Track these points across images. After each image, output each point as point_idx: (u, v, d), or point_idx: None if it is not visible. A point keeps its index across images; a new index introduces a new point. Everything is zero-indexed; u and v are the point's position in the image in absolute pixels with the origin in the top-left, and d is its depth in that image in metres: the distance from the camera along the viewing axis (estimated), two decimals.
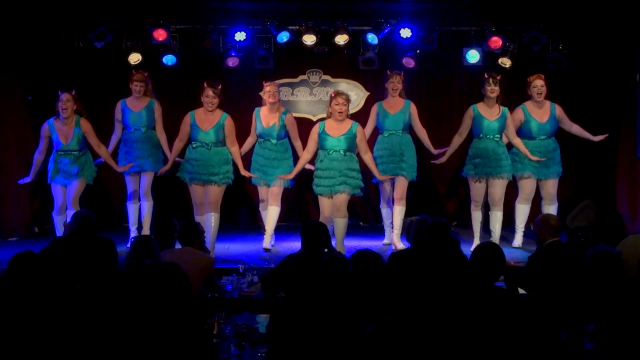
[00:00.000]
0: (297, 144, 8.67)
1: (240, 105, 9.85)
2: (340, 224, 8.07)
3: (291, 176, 8.38)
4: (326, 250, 6.22)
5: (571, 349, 4.25)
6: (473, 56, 9.60)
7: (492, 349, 4.20)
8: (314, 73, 10.64)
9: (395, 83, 8.69)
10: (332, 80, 10.72)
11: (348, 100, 8.13)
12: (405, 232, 6.46)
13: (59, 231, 8.16)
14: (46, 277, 4.45)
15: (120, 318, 3.88)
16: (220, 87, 8.32)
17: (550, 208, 8.66)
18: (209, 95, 8.20)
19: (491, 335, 4.26)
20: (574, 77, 9.79)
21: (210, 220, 8.15)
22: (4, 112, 9.60)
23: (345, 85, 10.67)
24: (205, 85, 8.27)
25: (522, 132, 8.65)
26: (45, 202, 10.05)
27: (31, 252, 4.68)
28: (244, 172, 8.36)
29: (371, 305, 4.51)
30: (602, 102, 9.78)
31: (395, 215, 8.68)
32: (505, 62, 9.57)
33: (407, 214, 8.61)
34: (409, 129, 8.75)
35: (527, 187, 8.71)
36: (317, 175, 8.10)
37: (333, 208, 8.05)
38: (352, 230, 8.76)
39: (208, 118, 8.24)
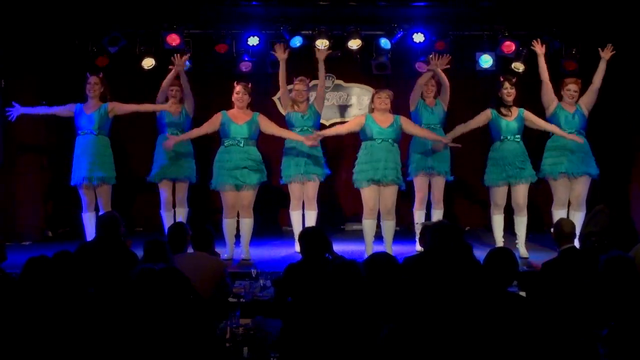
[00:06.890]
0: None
1: (254, 110, 9.84)
2: (389, 226, 8.15)
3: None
4: (329, 255, 6.10)
5: (584, 354, 4.23)
6: (486, 61, 9.61)
7: (505, 353, 4.19)
8: (327, 78, 10.60)
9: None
10: (345, 84, 10.71)
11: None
12: (420, 237, 6.41)
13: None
14: (59, 281, 4.47)
15: (131, 322, 3.89)
16: (250, 85, 8.38)
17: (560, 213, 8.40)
18: (240, 92, 8.28)
19: (504, 340, 4.24)
20: (587, 81, 9.75)
21: (243, 225, 8.25)
22: (18, 117, 9.63)
23: (358, 90, 10.67)
24: (235, 83, 8.36)
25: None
26: (59, 206, 10.09)
27: (45, 256, 4.69)
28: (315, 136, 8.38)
29: (385, 309, 4.50)
30: (616, 106, 9.74)
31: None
32: (519, 66, 9.56)
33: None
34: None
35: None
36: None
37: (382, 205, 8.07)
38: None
39: (241, 114, 8.29)
